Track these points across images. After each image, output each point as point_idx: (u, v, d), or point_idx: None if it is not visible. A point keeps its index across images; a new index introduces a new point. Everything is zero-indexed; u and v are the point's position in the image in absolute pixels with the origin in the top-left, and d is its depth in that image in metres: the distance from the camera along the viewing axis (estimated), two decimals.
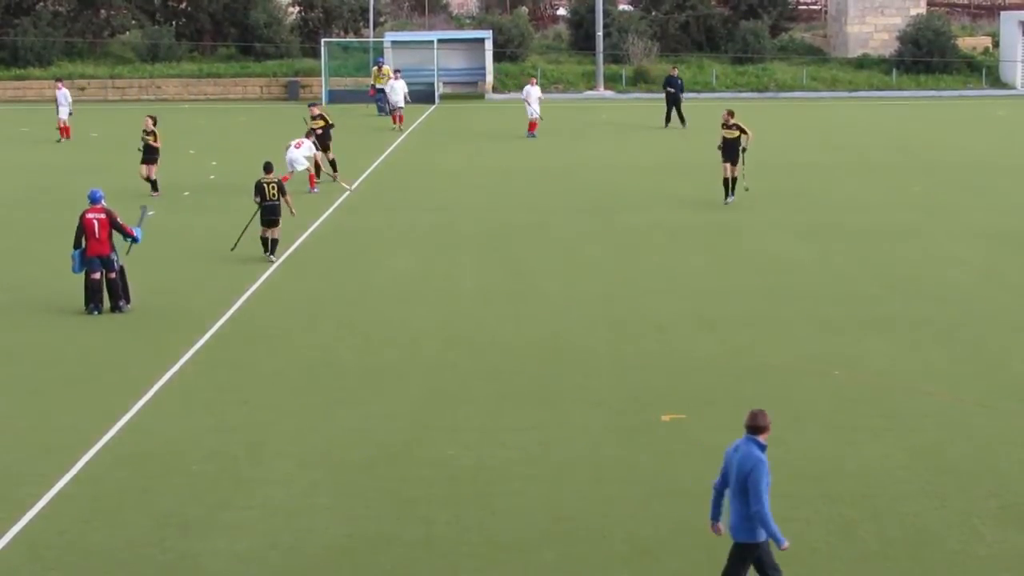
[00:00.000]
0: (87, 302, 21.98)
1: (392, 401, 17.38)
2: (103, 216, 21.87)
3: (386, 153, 43.71)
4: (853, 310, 22.08)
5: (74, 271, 22.15)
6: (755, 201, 30.62)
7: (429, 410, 17.01)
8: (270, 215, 25.94)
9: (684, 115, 50.24)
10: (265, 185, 25.90)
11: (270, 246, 26.07)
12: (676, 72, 52.15)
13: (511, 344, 20.18)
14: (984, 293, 23.41)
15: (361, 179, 37.52)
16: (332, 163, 36.56)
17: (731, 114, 32.63)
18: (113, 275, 21.95)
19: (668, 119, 50.39)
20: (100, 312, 21.89)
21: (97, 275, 21.88)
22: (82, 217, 21.97)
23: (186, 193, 35.11)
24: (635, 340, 20.30)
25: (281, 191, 25.96)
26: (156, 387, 18.02)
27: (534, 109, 47.95)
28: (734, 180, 32.15)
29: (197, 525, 13.40)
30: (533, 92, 48.41)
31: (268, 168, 26.23)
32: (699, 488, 14.25)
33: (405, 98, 51.20)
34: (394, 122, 50.42)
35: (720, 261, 25.99)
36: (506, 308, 22.41)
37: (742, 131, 32.11)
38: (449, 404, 17.23)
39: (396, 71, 54.18)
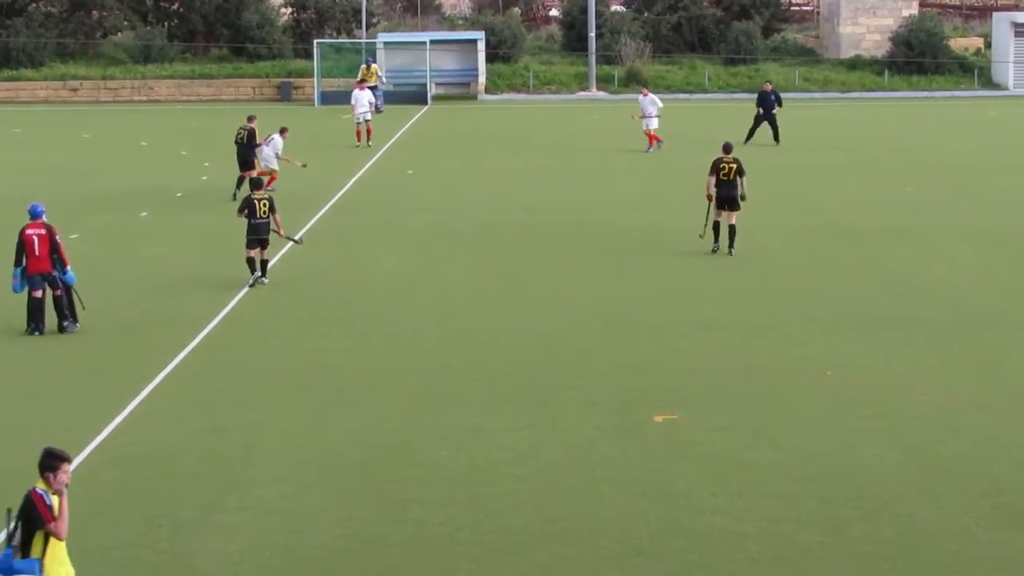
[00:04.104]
0: (28, 321, 20.85)
1: (385, 402, 17.37)
2: (43, 232, 20.73)
3: (380, 153, 43.69)
4: (846, 311, 22.10)
5: (15, 290, 20.95)
6: (749, 202, 30.59)
7: (422, 411, 17.00)
8: (260, 234, 24.03)
9: (754, 132, 45.61)
10: (256, 202, 24.13)
11: (260, 267, 24.21)
12: (770, 87, 47.37)
13: (504, 345, 20.18)
14: (977, 293, 23.44)
15: (354, 179, 37.49)
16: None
17: (726, 149, 26.54)
18: (58, 292, 20.80)
19: (750, 135, 45.66)
20: (42, 333, 20.74)
21: (39, 293, 20.79)
22: (21, 233, 20.88)
23: (179, 194, 35.08)
24: (628, 340, 20.30)
25: (272, 209, 24.19)
26: (149, 388, 18.00)
27: (652, 121, 43.88)
28: (731, 228, 26.41)
29: (190, 526, 13.39)
30: (650, 103, 43.93)
31: (259, 184, 24.86)
32: (692, 488, 14.27)
33: (372, 108, 46.68)
34: (358, 139, 45.60)
35: (713, 262, 25.98)
36: (499, 308, 22.40)
37: (740, 170, 26.17)
38: (442, 405, 17.23)
39: (360, 81, 49.92)
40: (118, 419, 16.70)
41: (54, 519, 10.08)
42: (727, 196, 26.20)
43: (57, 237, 20.92)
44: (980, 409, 16.96)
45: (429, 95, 64.20)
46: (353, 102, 46.09)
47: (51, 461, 10.18)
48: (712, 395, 17.53)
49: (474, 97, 66.08)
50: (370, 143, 45.47)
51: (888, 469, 14.82)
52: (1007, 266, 25.70)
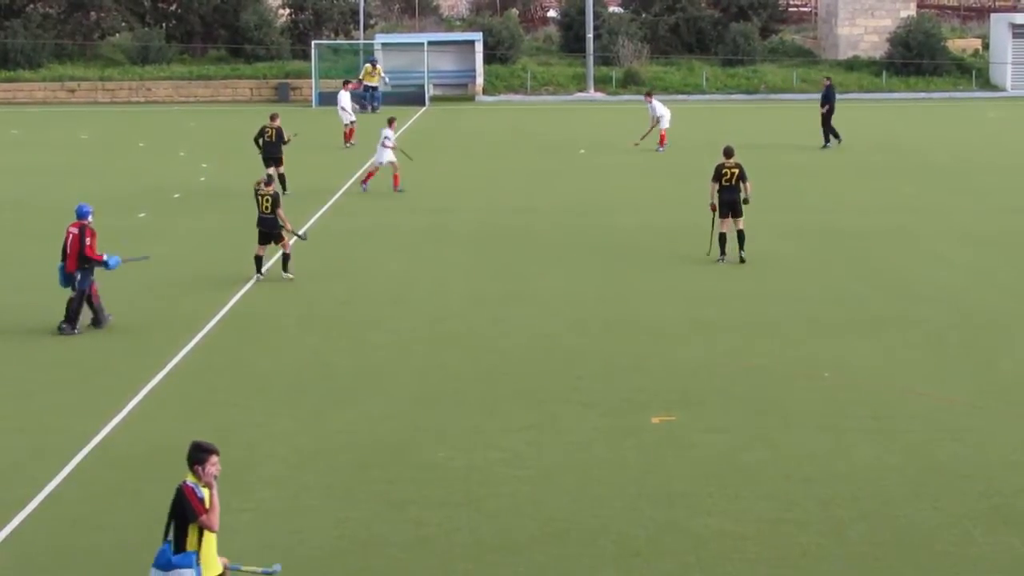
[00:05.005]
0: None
1: (383, 403, 17.38)
2: (76, 232, 20.94)
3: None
4: (843, 311, 22.11)
5: (60, 284, 21.25)
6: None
7: (420, 412, 17.01)
8: (264, 228, 24.28)
9: (835, 130, 45.00)
10: (259, 198, 24.34)
11: (282, 261, 24.47)
12: (830, 82, 46.85)
13: (503, 345, 20.19)
14: (974, 294, 23.45)
15: (353, 180, 37.48)
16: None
17: (727, 154, 25.92)
18: (73, 294, 20.95)
19: (833, 134, 45.00)
20: (104, 322, 21.19)
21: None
22: (66, 230, 21.24)
23: (176, 195, 35.07)
24: (626, 342, 20.30)
25: (275, 205, 24.21)
26: (147, 389, 18.01)
27: (665, 122, 44.36)
28: (739, 233, 25.82)
29: None
30: (659, 107, 44.77)
31: (268, 181, 24.75)
32: (689, 489, 14.28)
33: (353, 110, 46.73)
34: (348, 139, 45.62)
35: (710, 263, 25.96)
36: (498, 309, 22.41)
37: (742, 175, 25.68)
38: (440, 406, 17.24)
39: (346, 82, 49.34)
40: (116, 419, 16.71)
41: (206, 511, 10.16)
42: (730, 201, 25.61)
43: (87, 240, 20.95)
44: (978, 410, 16.97)
45: (427, 96, 64.21)
46: (343, 104, 46.21)
47: (199, 454, 10.28)
48: (710, 396, 17.54)
49: (472, 98, 66.07)
50: (352, 142, 45.45)
51: (886, 470, 14.83)
52: (1005, 267, 25.72)
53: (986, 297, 23.24)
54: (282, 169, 34.27)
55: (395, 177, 35.26)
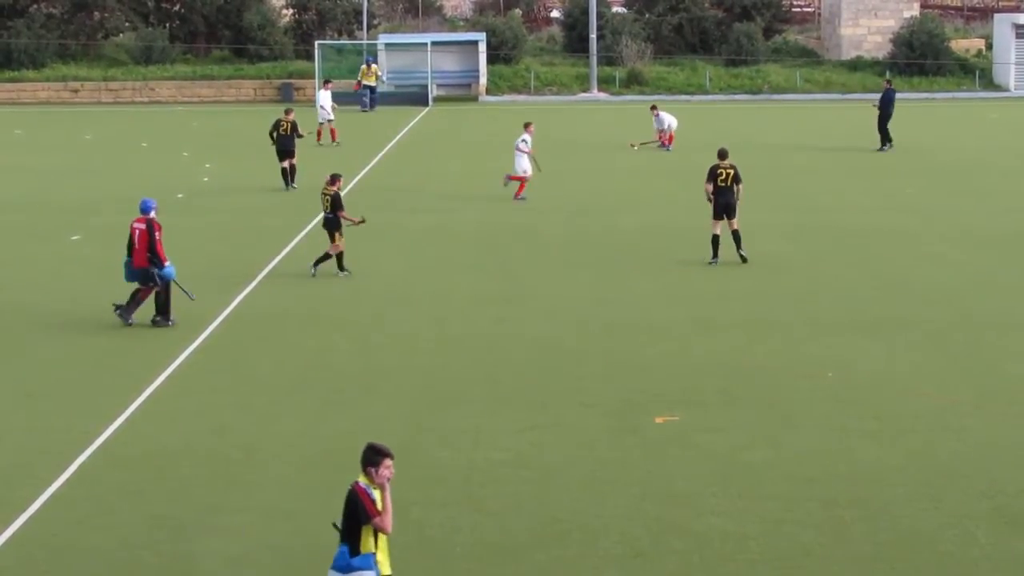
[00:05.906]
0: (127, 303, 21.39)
1: (386, 403, 17.39)
2: (143, 227, 21.17)
3: (381, 155, 43.71)
4: (846, 312, 22.11)
5: (125, 279, 21.48)
6: (749, 203, 30.62)
7: (423, 412, 17.02)
8: (327, 228, 24.66)
9: (890, 134, 44.16)
10: (321, 197, 24.85)
11: (326, 258, 24.75)
12: (890, 84, 45.95)
13: (505, 346, 20.19)
14: (976, 295, 23.44)
15: (356, 180, 37.50)
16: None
17: (722, 155, 25.72)
18: (152, 287, 21.15)
19: (885, 138, 44.14)
20: (126, 322, 21.19)
21: (137, 285, 21.32)
22: (130, 226, 21.49)
23: (180, 195, 35.08)
24: (628, 342, 20.31)
25: (335, 206, 24.44)
26: (151, 389, 18.02)
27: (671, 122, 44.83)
28: (734, 233, 25.64)
29: (191, 527, 13.40)
30: (666, 118, 44.98)
31: (331, 180, 24.86)
32: (692, 489, 14.29)
33: (333, 109, 46.58)
34: (318, 138, 45.49)
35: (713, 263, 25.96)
36: (500, 310, 22.41)
37: (737, 177, 25.43)
38: (442, 406, 17.24)
39: (327, 81, 49.53)
40: (120, 419, 16.72)
41: (378, 513, 10.15)
42: (725, 203, 25.35)
43: (157, 234, 21.15)
44: (980, 410, 16.97)
45: (430, 96, 64.26)
46: (323, 103, 46.56)
47: (373, 456, 10.25)
48: (712, 396, 17.55)
49: (475, 98, 66.11)
50: (328, 142, 45.87)
51: (888, 470, 14.83)
52: (1007, 267, 25.70)
53: (988, 298, 23.23)
54: (295, 161, 35.05)
55: (517, 179, 34.35)
